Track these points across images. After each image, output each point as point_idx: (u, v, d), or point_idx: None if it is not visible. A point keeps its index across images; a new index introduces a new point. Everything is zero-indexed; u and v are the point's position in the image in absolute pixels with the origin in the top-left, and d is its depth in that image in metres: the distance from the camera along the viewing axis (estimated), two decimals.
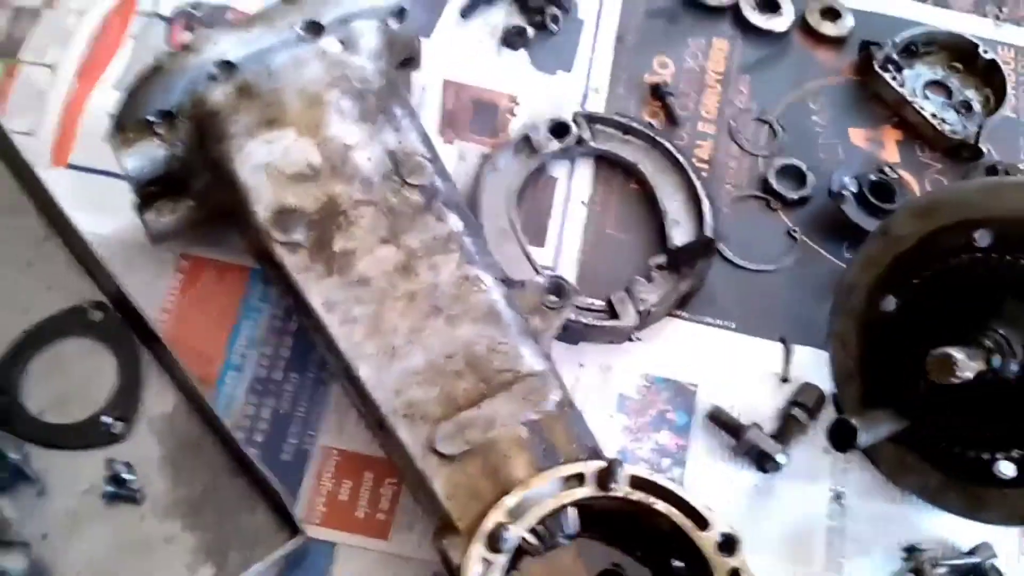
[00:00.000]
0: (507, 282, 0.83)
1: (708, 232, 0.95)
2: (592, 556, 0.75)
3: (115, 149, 0.83)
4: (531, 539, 0.72)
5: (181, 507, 0.82)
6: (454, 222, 0.83)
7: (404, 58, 0.93)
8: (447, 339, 0.78)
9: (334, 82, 0.85)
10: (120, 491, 0.82)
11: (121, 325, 0.88)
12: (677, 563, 0.74)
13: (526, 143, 1.00)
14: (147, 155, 0.83)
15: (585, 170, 1.01)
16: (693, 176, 0.98)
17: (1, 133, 0.94)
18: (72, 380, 0.87)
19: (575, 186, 1.00)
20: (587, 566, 0.74)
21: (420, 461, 0.75)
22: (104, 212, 0.93)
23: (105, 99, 1.00)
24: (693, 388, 0.90)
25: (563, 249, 0.96)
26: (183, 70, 0.82)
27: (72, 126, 0.99)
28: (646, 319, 0.90)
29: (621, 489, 0.73)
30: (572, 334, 0.88)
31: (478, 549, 0.70)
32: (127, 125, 0.83)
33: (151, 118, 0.83)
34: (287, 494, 0.80)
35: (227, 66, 0.83)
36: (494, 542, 0.70)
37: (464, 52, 1.07)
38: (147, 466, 0.83)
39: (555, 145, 1.00)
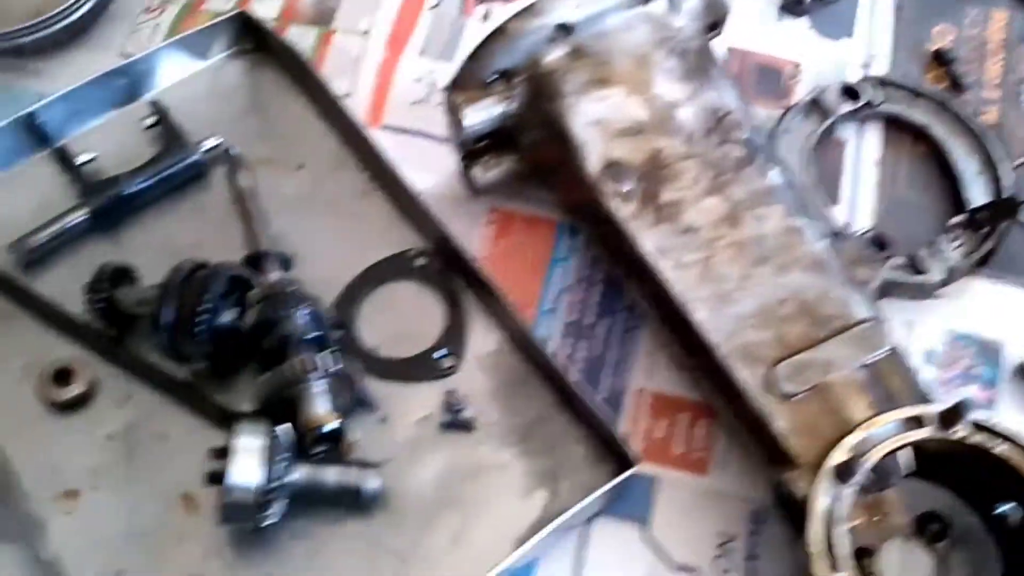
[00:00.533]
0: (827, 235, 0.86)
1: (1007, 193, 0.96)
2: (915, 497, 0.77)
3: (454, 106, 0.89)
4: (873, 475, 0.75)
5: (512, 436, 0.88)
6: (774, 176, 0.87)
7: (711, 23, 0.97)
8: (776, 286, 0.82)
9: (660, 43, 0.89)
10: (455, 420, 0.88)
11: (444, 269, 0.95)
12: (1003, 508, 0.76)
13: (815, 106, 1.02)
14: (485, 112, 0.89)
15: (874, 132, 1.03)
16: (988, 139, 0.99)
17: (328, 95, 1.02)
18: (401, 320, 0.94)
19: (865, 148, 1.03)
20: (909, 507, 0.77)
21: (758, 400, 0.79)
22: (417, 169, 0.99)
23: (412, 66, 1.08)
24: (998, 345, 0.92)
25: (857, 208, 0.99)
26: (525, 33, 0.88)
27: (384, 90, 1.07)
28: (950, 276, 0.92)
29: (962, 431, 0.76)
30: (876, 289, 0.90)
31: (826, 483, 0.74)
32: (467, 84, 0.90)
33: (491, 77, 0.89)
34: (617, 427, 0.85)
35: (564, 29, 0.88)
36: (843, 476, 0.74)
37: (746, 20, 1.10)
38: (477, 399, 0.90)
39: (845, 108, 1.02)
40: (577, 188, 0.89)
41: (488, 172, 0.94)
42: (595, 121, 0.87)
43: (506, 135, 0.92)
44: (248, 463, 0.79)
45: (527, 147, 0.92)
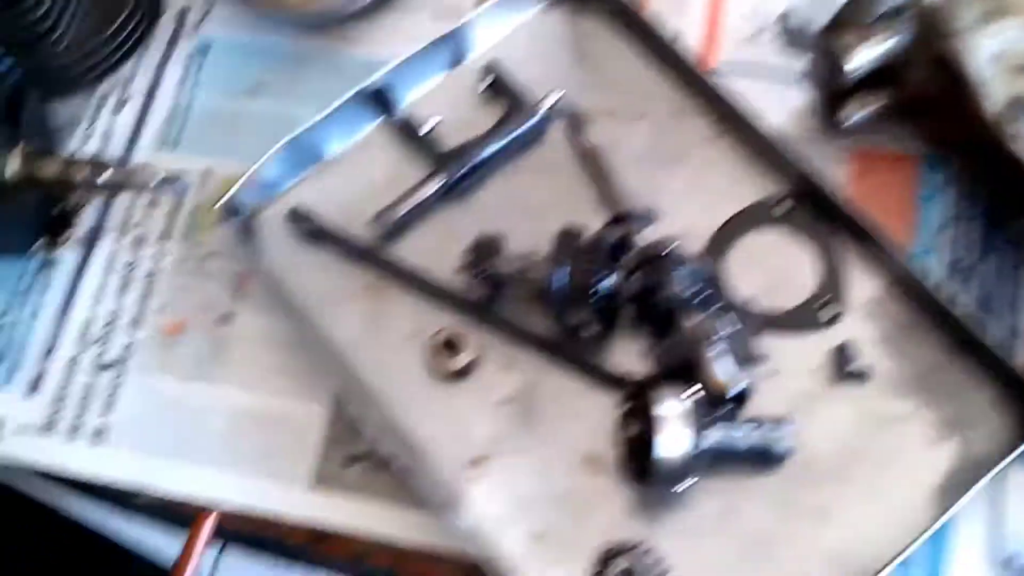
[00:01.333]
0: None
1: None
2: None
3: (837, 48, 0.86)
4: None
5: (909, 385, 0.86)
6: None
7: None
8: None
9: None
10: (849, 370, 0.87)
11: (810, 215, 0.93)
12: None
13: None
14: (867, 55, 0.86)
15: None
16: None
17: (659, 38, 0.99)
18: (769, 270, 0.92)
19: None
20: None
21: None
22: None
23: (740, 1, 1.04)
24: None
25: None
26: None
27: (714, 29, 1.03)
28: None
29: None
30: None
31: None
32: (849, 26, 0.86)
33: (873, 19, 0.86)
34: None
35: None
36: None
37: None
38: (865, 347, 0.88)
39: None
40: (968, 126, 0.85)
41: (854, 113, 0.91)
42: (994, 56, 0.83)
43: (883, 75, 0.88)
44: (675, 429, 0.80)
45: (907, 85, 0.88)
